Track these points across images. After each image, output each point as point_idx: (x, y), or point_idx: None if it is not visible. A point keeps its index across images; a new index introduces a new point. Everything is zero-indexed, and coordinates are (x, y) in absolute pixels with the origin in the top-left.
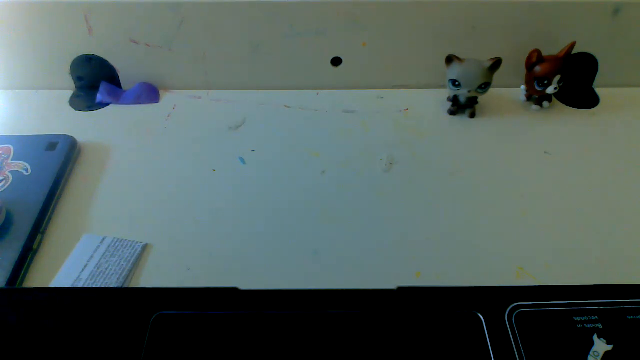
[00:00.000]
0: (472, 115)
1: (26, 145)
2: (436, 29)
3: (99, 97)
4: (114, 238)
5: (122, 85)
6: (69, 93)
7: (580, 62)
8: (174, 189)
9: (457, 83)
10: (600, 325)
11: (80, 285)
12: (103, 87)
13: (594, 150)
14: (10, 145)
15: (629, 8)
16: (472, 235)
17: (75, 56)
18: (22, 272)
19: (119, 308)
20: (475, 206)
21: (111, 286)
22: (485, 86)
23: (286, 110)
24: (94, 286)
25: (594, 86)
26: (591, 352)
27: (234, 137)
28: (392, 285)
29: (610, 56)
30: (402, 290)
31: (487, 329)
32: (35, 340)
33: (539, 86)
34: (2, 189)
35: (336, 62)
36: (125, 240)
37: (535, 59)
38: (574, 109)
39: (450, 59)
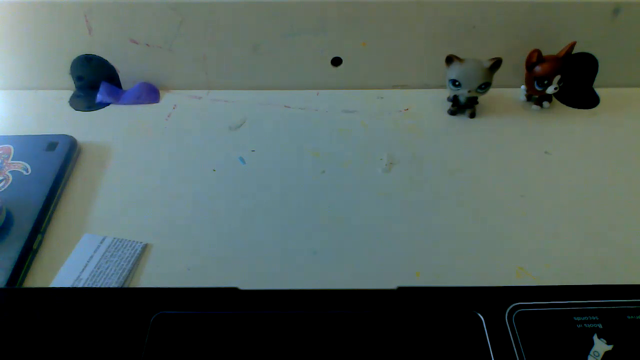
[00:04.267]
0: (472, 115)
1: (26, 145)
2: (436, 29)
3: (99, 97)
4: (114, 238)
5: (122, 85)
6: (69, 93)
7: (580, 62)
8: (174, 189)
9: (457, 83)
10: (600, 325)
11: (80, 285)
12: (103, 87)
13: (594, 150)
14: (10, 145)
15: (629, 8)
16: (472, 235)
17: (75, 56)
18: (22, 272)
19: (119, 308)
20: (475, 206)
21: (111, 286)
22: (485, 86)
23: (286, 110)
24: (94, 286)
25: (594, 86)
26: (591, 352)
27: (234, 137)
28: (392, 285)
29: (610, 56)
30: (402, 290)
31: (487, 329)
32: (35, 340)
33: (539, 86)
34: (2, 189)
35: (336, 62)
36: (125, 240)
37: (535, 59)
38: (574, 109)
39: (450, 59)
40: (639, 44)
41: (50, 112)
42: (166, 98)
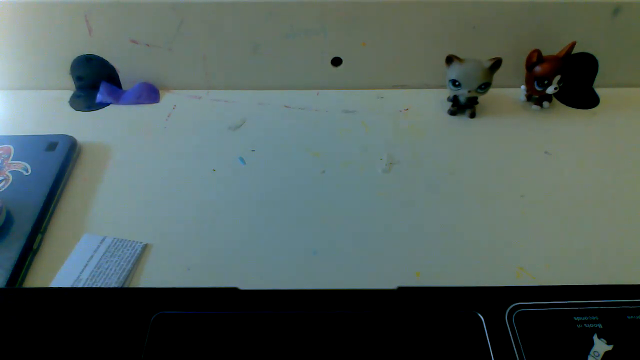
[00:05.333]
0: (472, 115)
1: (26, 145)
2: (436, 29)
3: (99, 97)
4: (114, 238)
5: (122, 85)
6: (69, 93)
7: (580, 62)
8: (174, 189)
9: (457, 83)
10: (600, 325)
11: (80, 285)
12: (103, 87)
13: (594, 150)
14: (10, 145)
15: (629, 8)
16: (472, 235)
17: (75, 56)
18: (22, 272)
19: (119, 308)
20: (475, 206)
21: (111, 286)
22: (485, 86)
23: (286, 110)
24: (94, 286)
25: (594, 86)
26: (591, 352)
27: (234, 137)
28: (392, 285)
29: (610, 56)
30: (402, 290)
31: (487, 329)
32: (35, 340)
33: (539, 86)
34: (2, 189)
35: (336, 62)
36: (125, 240)
37: (535, 59)
38: (574, 109)
39: (450, 59)
40: (639, 44)
41: (50, 112)
42: (166, 98)
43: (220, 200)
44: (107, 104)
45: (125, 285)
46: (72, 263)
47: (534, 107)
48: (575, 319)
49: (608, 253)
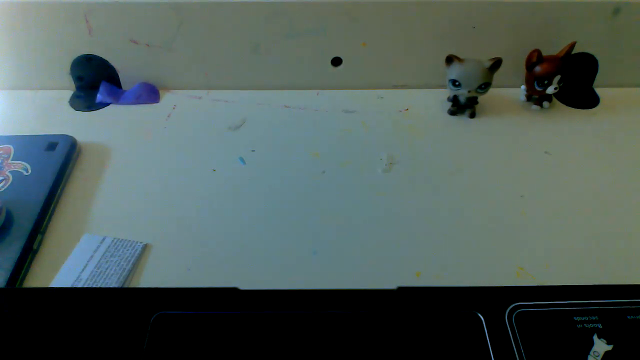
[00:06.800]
0: (472, 115)
1: (26, 145)
2: (436, 29)
3: (99, 97)
4: (114, 238)
5: (122, 85)
6: (69, 93)
7: (580, 62)
8: (174, 189)
9: (457, 83)
10: (600, 325)
11: (80, 285)
12: (103, 87)
13: (594, 150)
14: (10, 145)
15: (629, 8)
16: (472, 235)
17: (75, 56)
18: (22, 272)
19: (119, 308)
20: (475, 206)
21: (111, 286)
22: (485, 86)
23: (286, 110)
24: (94, 286)
25: (594, 86)
26: (591, 352)
27: (234, 137)
28: (392, 285)
29: (610, 56)
30: (402, 290)
31: (487, 329)
32: (35, 340)
33: (539, 86)
34: (2, 189)
35: (336, 62)
36: (125, 240)
37: (535, 59)
38: (574, 109)
39: (450, 59)
40: (639, 44)
41: (50, 112)
42: (166, 98)
43: (220, 200)
44: (107, 104)
45: (125, 285)
46: (72, 263)
47: (534, 107)
48: (575, 319)
49: (608, 253)
